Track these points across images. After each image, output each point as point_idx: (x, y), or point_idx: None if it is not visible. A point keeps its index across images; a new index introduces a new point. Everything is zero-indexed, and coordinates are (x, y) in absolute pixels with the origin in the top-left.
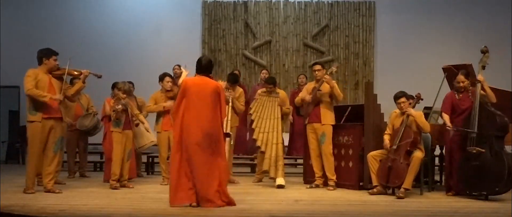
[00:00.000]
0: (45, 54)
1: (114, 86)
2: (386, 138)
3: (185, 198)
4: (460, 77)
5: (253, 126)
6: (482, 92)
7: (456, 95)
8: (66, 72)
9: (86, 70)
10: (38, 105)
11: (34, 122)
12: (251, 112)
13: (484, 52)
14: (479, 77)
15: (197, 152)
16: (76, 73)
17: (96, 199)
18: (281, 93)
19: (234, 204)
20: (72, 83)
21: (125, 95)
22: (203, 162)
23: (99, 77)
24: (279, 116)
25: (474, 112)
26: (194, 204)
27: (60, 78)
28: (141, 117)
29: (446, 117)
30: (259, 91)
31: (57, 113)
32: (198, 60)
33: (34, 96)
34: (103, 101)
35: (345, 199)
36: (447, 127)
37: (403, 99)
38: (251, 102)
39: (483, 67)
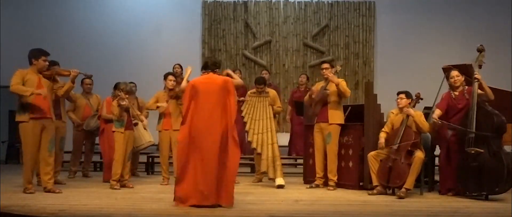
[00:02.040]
0: (34, 54)
1: (116, 86)
2: (382, 136)
3: (191, 198)
4: (454, 72)
5: (247, 128)
6: (479, 91)
7: (452, 94)
8: (55, 72)
9: (75, 70)
10: (24, 106)
11: (23, 122)
12: (243, 114)
13: (480, 50)
14: (477, 75)
15: (208, 151)
16: (65, 73)
17: (96, 199)
18: (271, 92)
19: (232, 205)
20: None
21: (127, 96)
22: (213, 161)
23: (89, 77)
24: (272, 115)
25: (472, 112)
26: (200, 203)
27: (50, 78)
28: (142, 117)
29: (437, 112)
30: (248, 92)
31: (47, 113)
32: (205, 60)
33: (17, 92)
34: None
35: (345, 199)
36: (433, 119)
37: (401, 95)
38: None
39: (480, 66)
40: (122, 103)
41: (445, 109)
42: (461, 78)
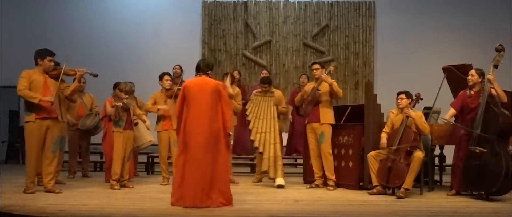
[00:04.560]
0: (40, 55)
1: (116, 86)
2: (384, 136)
3: (188, 199)
4: (471, 71)
5: (250, 127)
6: (493, 91)
7: (467, 92)
8: (62, 72)
9: (81, 70)
10: (30, 106)
11: (29, 122)
12: (247, 112)
13: (499, 50)
14: (489, 75)
15: (199, 152)
16: (72, 73)
17: (96, 199)
18: (277, 92)
19: (231, 205)
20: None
21: (127, 96)
22: (204, 161)
23: (95, 76)
24: (276, 115)
25: (480, 112)
26: (197, 204)
27: (57, 78)
28: (144, 117)
29: (451, 111)
30: (254, 92)
31: (53, 113)
32: (197, 62)
33: (25, 97)
34: (104, 101)
35: (345, 199)
36: (443, 119)
37: (402, 96)
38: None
39: (496, 66)
40: (116, 104)
41: (460, 107)
42: (475, 78)
